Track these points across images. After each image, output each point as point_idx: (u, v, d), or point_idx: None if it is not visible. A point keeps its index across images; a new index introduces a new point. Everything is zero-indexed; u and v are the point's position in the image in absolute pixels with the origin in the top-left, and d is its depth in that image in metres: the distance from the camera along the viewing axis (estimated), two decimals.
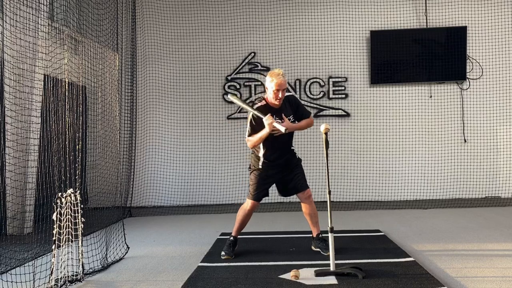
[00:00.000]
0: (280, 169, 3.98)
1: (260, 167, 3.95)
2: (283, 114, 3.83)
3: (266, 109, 3.81)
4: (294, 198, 4.21)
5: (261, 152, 3.92)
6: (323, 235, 4.06)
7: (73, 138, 3.69)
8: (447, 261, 3.71)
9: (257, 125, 3.79)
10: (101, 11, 5.33)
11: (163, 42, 7.38)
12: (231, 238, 4.07)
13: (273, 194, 4.28)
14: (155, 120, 7.38)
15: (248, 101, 7.18)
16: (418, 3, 7.16)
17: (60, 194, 3.28)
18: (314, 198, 4.10)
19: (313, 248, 4.11)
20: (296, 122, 3.94)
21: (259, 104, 3.86)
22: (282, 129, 3.63)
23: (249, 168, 4.06)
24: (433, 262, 3.70)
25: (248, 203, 4.01)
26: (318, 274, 3.34)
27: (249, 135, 3.85)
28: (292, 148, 4.04)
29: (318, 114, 7.22)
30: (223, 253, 3.95)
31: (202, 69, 7.39)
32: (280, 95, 3.75)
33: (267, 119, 3.65)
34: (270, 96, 3.80)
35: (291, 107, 3.93)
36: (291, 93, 4.07)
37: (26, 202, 4.85)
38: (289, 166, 4.00)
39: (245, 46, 7.34)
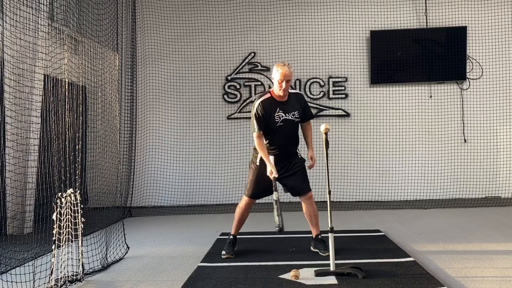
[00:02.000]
0: (279, 168, 3.84)
1: (258, 163, 3.91)
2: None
3: (271, 102, 3.79)
4: (294, 198, 4.20)
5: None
6: (322, 235, 4.04)
7: (73, 138, 3.69)
8: (447, 261, 3.71)
9: (263, 118, 3.75)
10: (101, 11, 5.33)
11: (163, 42, 7.37)
12: (231, 236, 4.06)
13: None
14: (155, 120, 7.38)
15: (248, 100, 7.21)
16: (418, 3, 7.16)
17: (60, 194, 3.28)
18: (314, 198, 4.09)
19: (312, 249, 4.10)
20: (299, 120, 3.91)
21: (265, 96, 3.81)
22: (271, 172, 3.73)
23: (249, 164, 4.05)
24: (433, 262, 3.70)
25: (243, 200, 4.01)
26: (318, 274, 3.34)
27: (255, 130, 3.78)
28: (297, 150, 4.00)
29: (318, 114, 7.21)
30: (223, 252, 3.95)
31: (202, 69, 7.38)
32: (284, 86, 3.71)
33: (268, 172, 3.76)
34: (275, 87, 3.76)
35: (299, 104, 3.90)
36: (301, 92, 4.03)
37: (26, 202, 4.85)
38: (289, 166, 3.92)
39: (245, 46, 7.33)
